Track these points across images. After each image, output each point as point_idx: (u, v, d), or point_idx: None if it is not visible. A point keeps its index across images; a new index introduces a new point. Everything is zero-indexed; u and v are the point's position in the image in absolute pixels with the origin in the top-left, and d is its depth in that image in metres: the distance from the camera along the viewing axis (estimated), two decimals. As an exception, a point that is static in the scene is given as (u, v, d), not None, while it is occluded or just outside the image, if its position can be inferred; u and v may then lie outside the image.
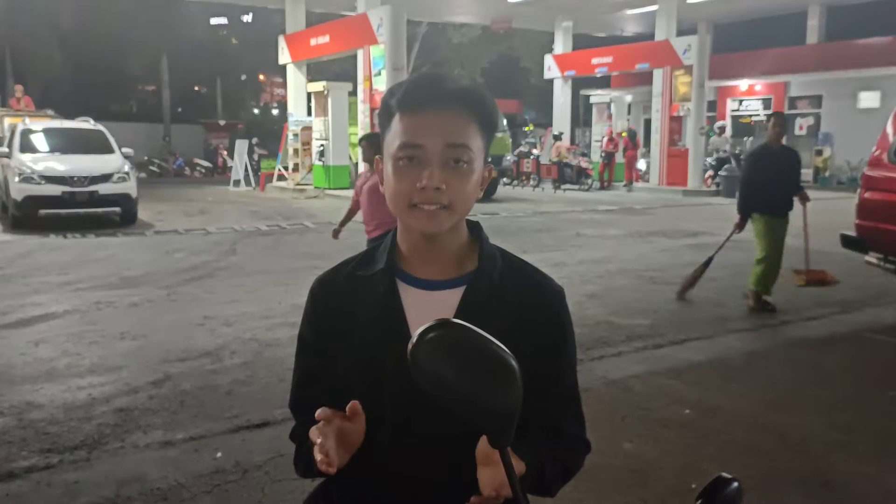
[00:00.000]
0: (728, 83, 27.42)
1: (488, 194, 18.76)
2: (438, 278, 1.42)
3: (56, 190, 12.93)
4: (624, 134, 24.35)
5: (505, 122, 23.34)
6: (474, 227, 1.48)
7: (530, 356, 1.32)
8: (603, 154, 23.92)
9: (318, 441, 1.23)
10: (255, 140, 27.09)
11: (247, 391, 5.07)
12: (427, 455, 1.36)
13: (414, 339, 1.06)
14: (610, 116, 27.38)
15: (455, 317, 1.33)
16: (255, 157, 26.23)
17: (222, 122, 34.67)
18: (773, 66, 26.10)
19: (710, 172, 21.92)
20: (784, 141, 7.80)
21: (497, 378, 1.06)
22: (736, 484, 1.16)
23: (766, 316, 7.30)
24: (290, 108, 22.84)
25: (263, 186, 22.62)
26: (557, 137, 24.60)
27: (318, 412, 1.26)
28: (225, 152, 29.59)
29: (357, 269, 1.48)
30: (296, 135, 21.73)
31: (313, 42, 21.25)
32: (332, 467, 1.22)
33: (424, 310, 1.37)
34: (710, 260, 7.97)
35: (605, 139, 24.22)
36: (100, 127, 15.31)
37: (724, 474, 1.17)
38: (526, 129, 28.27)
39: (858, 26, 24.57)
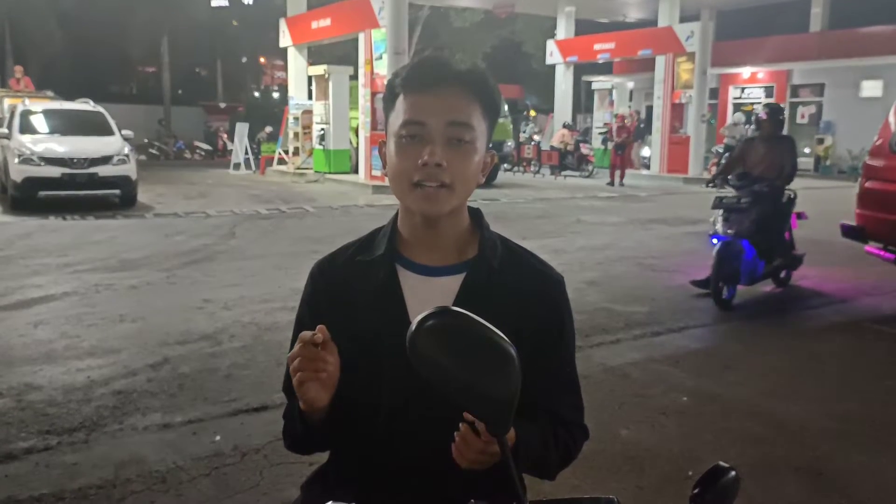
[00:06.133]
0: (730, 70, 27.36)
1: (489, 180, 18.74)
2: (439, 264, 1.42)
3: (55, 171, 12.90)
4: (627, 119, 24.00)
5: (506, 107, 23.20)
6: (475, 214, 1.48)
7: (529, 343, 1.32)
8: (612, 143, 21.09)
9: (295, 364, 1.25)
10: (269, 129, 26.84)
11: (246, 375, 5.08)
12: (423, 440, 1.36)
13: (413, 326, 1.06)
14: (612, 103, 27.29)
15: (454, 303, 1.33)
16: (256, 140, 26.14)
17: (222, 105, 34.61)
18: (775, 53, 26.02)
19: (715, 160, 21.88)
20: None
21: (495, 365, 1.06)
22: (733, 473, 1.16)
23: (763, 304, 7.31)
24: (291, 92, 22.79)
25: (264, 170, 22.59)
26: (567, 126, 24.43)
27: (300, 334, 1.27)
28: (225, 135, 29.52)
29: (357, 254, 1.48)
30: (296, 118, 21.69)
31: (314, 25, 21.17)
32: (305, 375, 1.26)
33: (424, 296, 1.37)
34: None
35: (616, 126, 21.40)
36: (100, 109, 15.26)
37: (722, 463, 1.17)
38: (530, 113, 28.12)
39: (862, 15, 24.46)
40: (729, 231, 7.05)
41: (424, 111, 1.33)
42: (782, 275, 7.86)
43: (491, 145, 1.43)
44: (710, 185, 7.69)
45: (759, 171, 7.22)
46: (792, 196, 7.57)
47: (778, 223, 7.45)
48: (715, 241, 7.13)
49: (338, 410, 1.34)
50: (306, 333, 1.25)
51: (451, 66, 1.36)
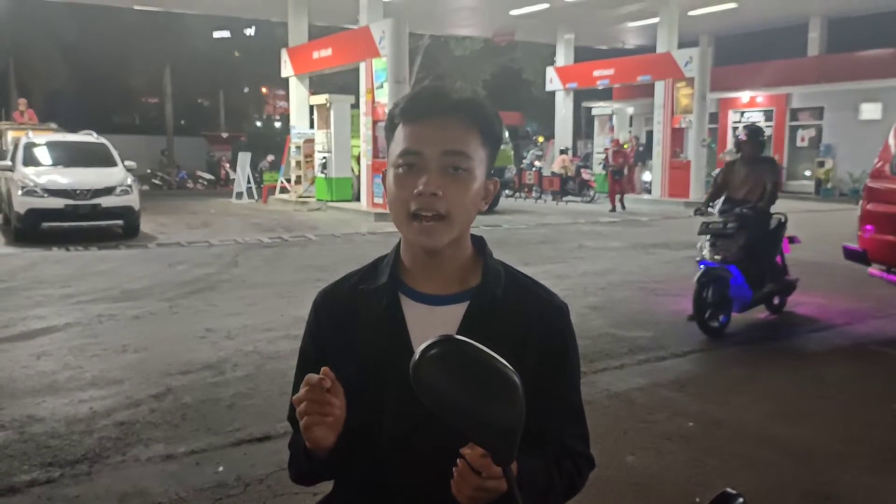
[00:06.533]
0: (730, 95, 27.49)
1: (491, 206, 18.66)
2: (441, 293, 1.42)
3: (59, 203, 12.95)
4: (626, 145, 23.97)
5: (507, 134, 23.29)
6: (478, 242, 1.47)
7: (533, 372, 1.31)
8: (610, 168, 20.79)
9: (302, 407, 1.24)
10: (270, 158, 27.07)
11: (249, 404, 5.06)
12: (427, 470, 1.35)
13: (416, 355, 1.06)
14: (612, 129, 27.43)
15: (458, 333, 1.33)
16: (258, 169, 26.26)
17: (225, 135, 34.76)
18: (774, 78, 26.17)
19: None
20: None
21: (499, 393, 1.06)
22: (741, 499, 1.15)
23: (767, 328, 7.29)
24: (293, 121, 22.91)
25: (266, 199, 22.66)
26: (564, 151, 24.58)
27: (307, 377, 1.25)
28: (227, 165, 29.63)
29: (360, 283, 1.48)
30: (298, 147, 21.79)
31: (316, 55, 21.33)
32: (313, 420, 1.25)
33: (427, 325, 1.36)
34: None
35: (612, 151, 21.08)
36: (102, 140, 15.35)
37: (729, 489, 1.16)
38: (538, 139, 28.18)
39: (859, 39, 24.64)
40: (716, 257, 6.89)
41: (420, 140, 1.34)
42: (776, 301, 7.66)
43: (492, 172, 1.44)
44: (698, 212, 7.54)
45: (742, 194, 7.06)
46: (782, 220, 7.40)
47: (767, 248, 7.25)
48: (702, 267, 6.98)
49: (342, 446, 1.33)
50: (313, 377, 1.24)
51: (448, 96, 1.37)
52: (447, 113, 1.35)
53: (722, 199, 7.17)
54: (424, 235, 1.34)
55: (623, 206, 20.13)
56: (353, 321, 1.44)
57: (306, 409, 1.25)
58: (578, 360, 1.50)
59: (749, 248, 6.89)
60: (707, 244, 7.05)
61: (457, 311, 1.40)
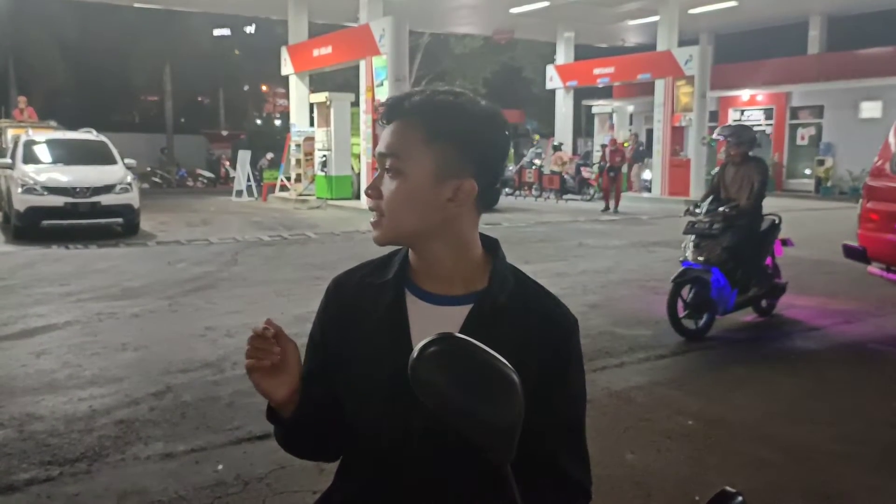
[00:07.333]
0: (730, 93, 27.50)
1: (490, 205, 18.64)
2: (445, 293, 1.40)
3: (58, 201, 12.95)
4: (626, 144, 23.82)
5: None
6: (491, 245, 1.45)
7: (532, 383, 1.27)
8: (605, 166, 20.25)
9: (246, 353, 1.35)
10: (270, 155, 27.11)
11: (248, 402, 5.05)
12: (427, 467, 1.34)
13: (415, 352, 1.05)
14: (612, 127, 27.43)
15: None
16: (258, 167, 26.27)
17: (225, 133, 34.79)
18: (774, 76, 26.18)
19: None
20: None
21: (497, 391, 1.06)
22: (740, 498, 1.14)
23: (767, 327, 7.28)
24: (293, 119, 22.92)
25: (266, 197, 22.67)
26: (557, 148, 24.60)
27: (254, 327, 1.34)
28: (227, 163, 29.64)
29: (368, 276, 1.48)
30: (298, 145, 21.80)
31: (316, 53, 21.33)
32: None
33: (429, 323, 1.34)
34: None
35: (609, 149, 20.36)
36: (102, 138, 15.34)
37: (728, 488, 1.15)
38: (535, 138, 28.14)
39: (859, 37, 24.65)
40: (699, 258, 6.63)
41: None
42: (764, 304, 7.50)
43: (476, 171, 1.37)
44: (688, 212, 7.37)
45: (732, 194, 6.92)
46: (776, 221, 7.27)
47: (754, 250, 7.01)
48: (684, 268, 6.76)
49: (307, 413, 1.40)
50: (257, 326, 1.33)
51: (403, 100, 1.38)
52: (395, 117, 1.38)
53: (710, 199, 7.00)
54: (372, 228, 1.40)
55: (614, 209, 19.53)
56: (358, 313, 1.44)
57: (246, 354, 1.34)
58: (582, 376, 1.44)
59: (733, 250, 6.68)
60: (691, 244, 6.81)
61: (460, 313, 1.39)
